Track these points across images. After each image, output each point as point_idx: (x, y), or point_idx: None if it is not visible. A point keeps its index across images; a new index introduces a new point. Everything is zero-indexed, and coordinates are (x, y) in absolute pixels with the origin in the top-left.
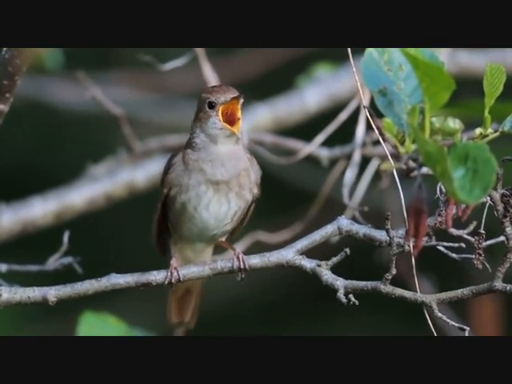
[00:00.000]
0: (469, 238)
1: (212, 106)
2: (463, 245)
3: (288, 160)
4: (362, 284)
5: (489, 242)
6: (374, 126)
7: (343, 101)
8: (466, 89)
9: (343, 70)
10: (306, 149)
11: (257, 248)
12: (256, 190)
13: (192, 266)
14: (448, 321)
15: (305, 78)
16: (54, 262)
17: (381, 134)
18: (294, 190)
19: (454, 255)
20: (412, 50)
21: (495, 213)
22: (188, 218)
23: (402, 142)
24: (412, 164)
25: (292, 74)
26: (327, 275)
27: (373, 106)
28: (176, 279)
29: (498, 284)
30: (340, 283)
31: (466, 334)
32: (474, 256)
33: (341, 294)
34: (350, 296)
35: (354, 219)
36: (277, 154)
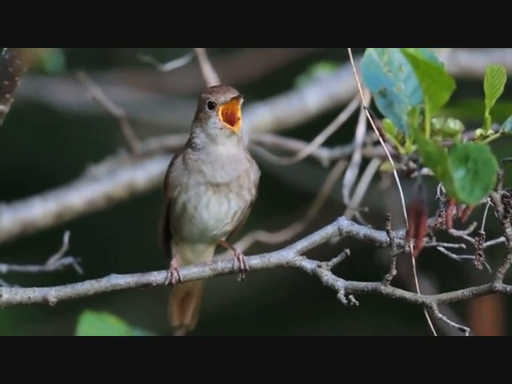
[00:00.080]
0: (469, 238)
1: (212, 106)
2: (463, 245)
3: (288, 160)
4: (362, 285)
5: (489, 243)
6: (374, 127)
7: (343, 101)
8: (467, 89)
9: (343, 71)
10: (306, 149)
11: (257, 248)
12: (254, 191)
13: (192, 266)
14: (448, 321)
15: (305, 79)
16: (54, 263)
17: (381, 134)
18: (294, 191)
19: (454, 256)
20: (412, 50)
21: (495, 214)
22: (188, 218)
23: (403, 143)
24: (412, 165)
25: (292, 75)
26: (327, 276)
27: (373, 107)
28: (176, 280)
29: (499, 285)
30: (340, 284)
31: (467, 335)
32: (474, 257)
33: (341, 295)
34: (351, 297)
35: (354, 220)
36: (277, 154)
